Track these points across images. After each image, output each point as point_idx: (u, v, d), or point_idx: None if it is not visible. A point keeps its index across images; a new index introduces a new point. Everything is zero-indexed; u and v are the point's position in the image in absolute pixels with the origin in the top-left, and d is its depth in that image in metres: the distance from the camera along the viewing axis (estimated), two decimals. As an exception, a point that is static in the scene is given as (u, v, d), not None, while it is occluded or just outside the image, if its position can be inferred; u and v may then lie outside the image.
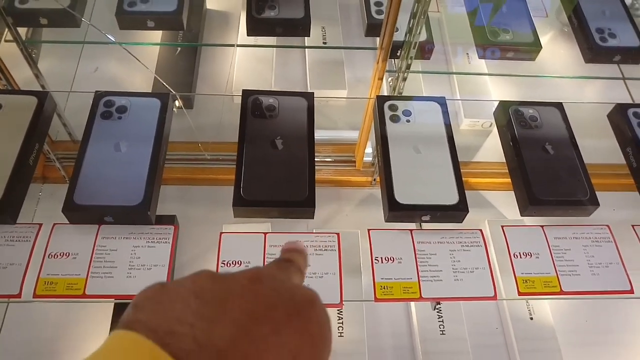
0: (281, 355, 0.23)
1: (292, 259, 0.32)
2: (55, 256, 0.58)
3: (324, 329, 0.26)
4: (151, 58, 1.08)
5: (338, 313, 0.83)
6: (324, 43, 1.10)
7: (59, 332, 0.82)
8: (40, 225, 0.60)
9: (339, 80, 1.08)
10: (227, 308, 0.24)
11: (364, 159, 0.98)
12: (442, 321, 0.84)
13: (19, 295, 0.55)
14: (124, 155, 0.63)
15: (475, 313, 0.88)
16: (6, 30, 0.78)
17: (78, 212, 0.59)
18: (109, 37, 0.78)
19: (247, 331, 0.23)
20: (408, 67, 0.74)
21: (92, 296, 0.56)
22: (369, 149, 0.97)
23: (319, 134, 1.04)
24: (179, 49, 1.08)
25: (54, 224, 0.60)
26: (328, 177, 1.01)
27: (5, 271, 0.57)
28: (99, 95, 0.68)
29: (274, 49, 1.10)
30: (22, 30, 0.89)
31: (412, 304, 0.86)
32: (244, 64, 1.09)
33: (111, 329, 0.78)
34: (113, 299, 0.59)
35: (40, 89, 0.83)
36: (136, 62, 0.81)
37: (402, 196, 0.63)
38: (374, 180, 0.99)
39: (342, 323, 0.83)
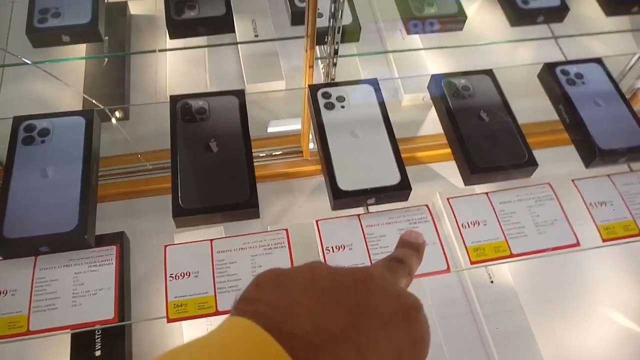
0: (386, 350, 0.25)
1: (404, 260, 0.33)
2: (-8, 296, 0.55)
3: (425, 335, 0.27)
4: (78, 73, 1.04)
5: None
6: (256, 36, 1.08)
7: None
8: (-28, 266, 0.57)
9: (275, 72, 1.06)
10: (341, 298, 0.25)
11: (310, 147, 0.98)
12: (406, 298, 0.85)
13: (-43, 343, 0.53)
14: (52, 180, 0.60)
15: (438, 285, 0.89)
16: None
17: (10, 247, 0.56)
18: (24, 59, 0.74)
19: (358, 322, 0.24)
20: (336, 52, 0.73)
21: (37, 332, 0.54)
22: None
23: (263, 128, 1.04)
24: (106, 60, 1.04)
25: (-14, 263, 0.57)
26: (277, 170, 1.00)
27: (-61, 319, 0.54)
28: (17, 120, 0.65)
29: (205, 48, 1.08)
30: None
31: (375, 285, 0.87)
32: (176, 67, 1.06)
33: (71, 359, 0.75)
34: (62, 331, 0.57)
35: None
36: (62, 80, 0.77)
37: (345, 183, 0.63)
38: (323, 168, 0.98)
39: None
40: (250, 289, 0.26)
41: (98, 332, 0.78)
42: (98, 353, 0.76)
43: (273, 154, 1.01)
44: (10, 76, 1.05)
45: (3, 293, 0.55)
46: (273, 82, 1.04)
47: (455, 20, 0.84)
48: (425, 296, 0.86)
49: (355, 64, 1.09)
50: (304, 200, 0.97)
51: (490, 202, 0.69)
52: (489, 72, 0.77)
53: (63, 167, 0.61)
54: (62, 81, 0.70)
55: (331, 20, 0.71)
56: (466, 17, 0.84)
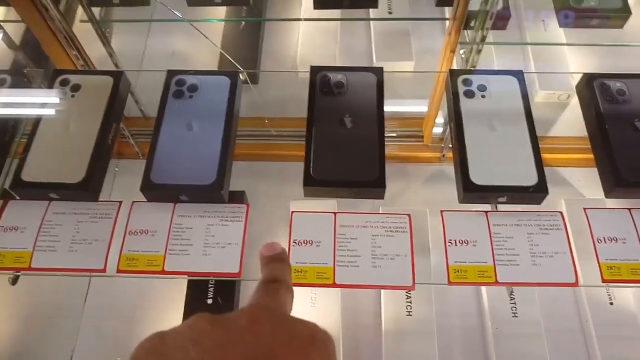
0: None
1: (278, 278, 0.31)
2: (135, 233, 0.60)
3: None
4: (216, 34, 1.08)
5: (406, 292, 0.82)
6: (390, 13, 1.06)
7: (137, 301, 0.86)
8: (121, 202, 0.63)
9: (405, 52, 1.04)
10: (228, 353, 0.23)
11: (433, 133, 0.95)
12: (515, 303, 0.82)
13: (104, 270, 0.58)
14: (196, 134, 0.64)
15: (550, 295, 0.85)
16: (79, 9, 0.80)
17: (155, 191, 0.61)
18: (177, 14, 0.79)
19: None
20: (483, 38, 0.70)
21: (170, 272, 0.58)
22: (438, 121, 0.93)
23: (384, 108, 1.03)
24: (243, 23, 1.08)
25: (133, 202, 0.62)
26: (394, 152, 0.99)
27: (91, 247, 0.59)
28: (170, 74, 0.69)
29: (339, 21, 1.08)
30: (95, 10, 0.91)
31: (482, 284, 0.84)
32: (308, 37, 1.08)
33: (186, 302, 0.81)
34: (189, 276, 0.61)
35: (114, 68, 0.86)
36: (202, 38, 0.81)
37: (478, 176, 0.61)
38: (443, 155, 0.96)
39: (410, 302, 0.82)
40: None
41: (211, 282, 0.83)
42: (210, 301, 0.81)
43: (391, 135, 1.00)
44: (154, 31, 1.13)
45: (145, 232, 0.60)
46: (402, 62, 1.03)
47: (618, 16, 0.77)
48: (535, 304, 0.82)
49: (489, 53, 1.04)
50: (418, 187, 0.96)
51: (633, 219, 0.63)
52: (651, 77, 0.70)
53: (207, 123, 0.65)
54: (211, 41, 0.73)
55: (483, 4, 0.68)
56: (630, 13, 0.77)
